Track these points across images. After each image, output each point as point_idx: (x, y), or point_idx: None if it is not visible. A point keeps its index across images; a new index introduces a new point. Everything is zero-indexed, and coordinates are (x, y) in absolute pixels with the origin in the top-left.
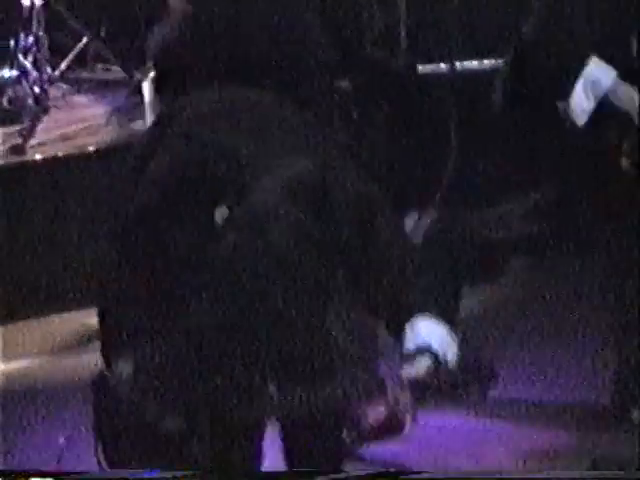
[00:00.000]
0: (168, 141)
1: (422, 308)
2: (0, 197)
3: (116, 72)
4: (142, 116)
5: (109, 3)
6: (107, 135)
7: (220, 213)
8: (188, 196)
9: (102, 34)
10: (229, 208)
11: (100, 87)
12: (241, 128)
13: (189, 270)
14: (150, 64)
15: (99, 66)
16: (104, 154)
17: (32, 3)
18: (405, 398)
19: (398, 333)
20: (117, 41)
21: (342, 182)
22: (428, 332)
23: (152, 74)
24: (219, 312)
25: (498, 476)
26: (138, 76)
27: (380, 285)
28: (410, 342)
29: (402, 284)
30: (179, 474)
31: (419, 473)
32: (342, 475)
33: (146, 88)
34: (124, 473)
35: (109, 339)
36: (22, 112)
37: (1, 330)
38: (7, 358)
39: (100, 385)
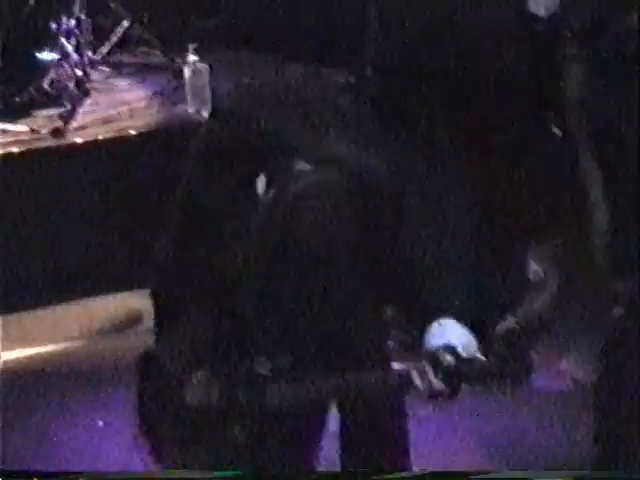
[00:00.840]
0: (219, 115)
1: (446, 309)
2: (40, 180)
3: (157, 56)
4: (183, 100)
5: None
6: (148, 119)
7: (261, 182)
8: (232, 168)
9: (144, 18)
10: (269, 178)
11: (141, 71)
12: (288, 106)
13: (235, 241)
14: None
15: (140, 50)
16: (145, 138)
17: None
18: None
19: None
20: (159, 25)
21: (380, 170)
22: (450, 332)
23: (193, 58)
24: (263, 284)
25: (498, 476)
26: (179, 60)
27: (404, 281)
28: (433, 340)
29: (427, 282)
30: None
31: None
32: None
33: (187, 72)
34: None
35: (160, 316)
36: (63, 95)
37: (41, 313)
38: (52, 339)
39: (145, 365)
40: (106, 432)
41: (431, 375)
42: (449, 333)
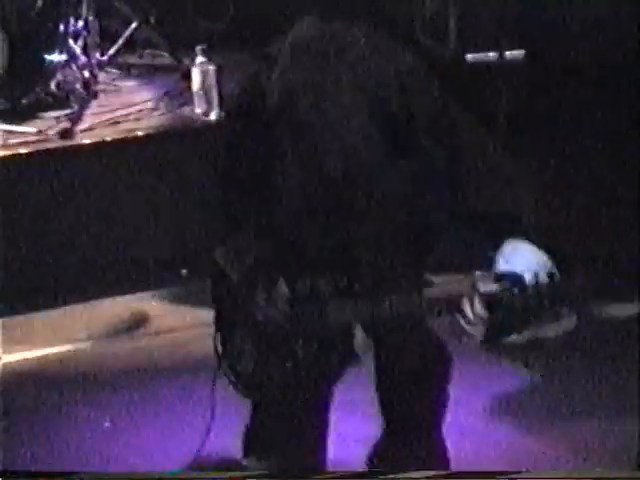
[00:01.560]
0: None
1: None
2: (47, 181)
3: (165, 57)
4: (191, 102)
5: None
6: (155, 120)
7: None
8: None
9: (151, 20)
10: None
11: (149, 72)
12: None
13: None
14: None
15: (148, 51)
16: (153, 139)
17: None
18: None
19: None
20: (166, 26)
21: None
22: (518, 256)
23: (200, 59)
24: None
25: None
26: (187, 62)
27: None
28: (500, 264)
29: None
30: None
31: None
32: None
33: (195, 74)
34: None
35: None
36: (71, 96)
37: (45, 315)
38: (56, 341)
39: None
40: (112, 433)
41: (477, 302)
42: (520, 258)
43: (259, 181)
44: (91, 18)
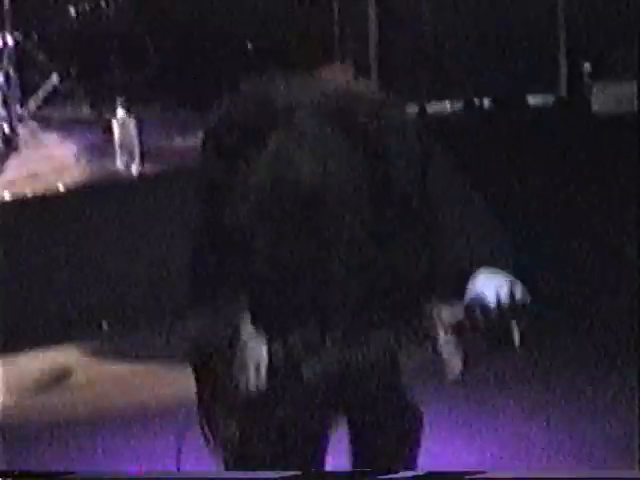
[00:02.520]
0: None
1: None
2: None
3: (86, 110)
4: (113, 155)
5: (80, 43)
6: (77, 174)
7: None
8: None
9: (72, 73)
10: None
11: (70, 125)
12: None
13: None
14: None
15: (69, 105)
16: (74, 193)
17: (4, 42)
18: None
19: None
20: (87, 79)
21: None
22: (484, 283)
23: (121, 112)
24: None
25: (496, 476)
26: (108, 115)
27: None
28: (468, 295)
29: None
30: None
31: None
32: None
33: (116, 127)
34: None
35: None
36: None
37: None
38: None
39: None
40: None
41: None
42: (483, 280)
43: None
44: (11, 71)
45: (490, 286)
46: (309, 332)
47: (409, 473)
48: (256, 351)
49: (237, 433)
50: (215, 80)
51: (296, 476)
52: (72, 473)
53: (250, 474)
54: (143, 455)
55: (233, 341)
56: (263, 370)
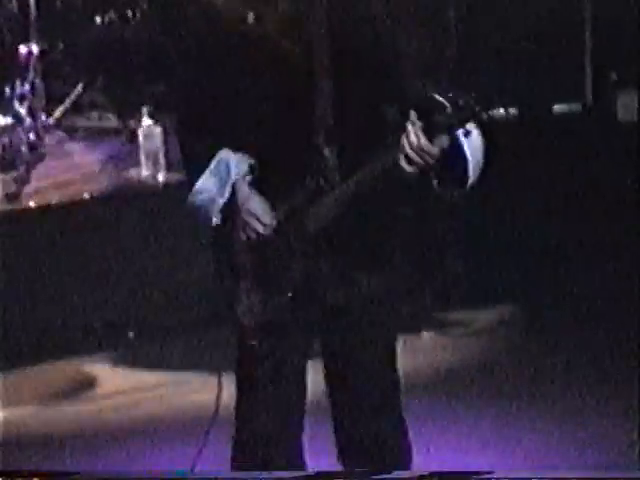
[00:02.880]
0: None
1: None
2: None
3: (111, 119)
4: (137, 164)
5: (105, 52)
6: (102, 183)
7: None
8: None
9: (98, 82)
10: None
11: (95, 134)
12: None
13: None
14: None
15: (94, 113)
16: (99, 201)
17: (29, 51)
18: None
19: None
20: (112, 88)
21: None
22: None
23: (146, 121)
24: None
25: (496, 476)
26: (133, 123)
27: None
28: None
29: None
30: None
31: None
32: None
33: (141, 135)
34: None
35: None
36: (16, 159)
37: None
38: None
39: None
40: None
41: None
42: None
43: None
44: (38, 81)
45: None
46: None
47: (415, 473)
48: (255, 204)
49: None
50: None
51: (300, 477)
52: (77, 473)
53: (257, 474)
54: (165, 464)
55: None
56: (267, 217)
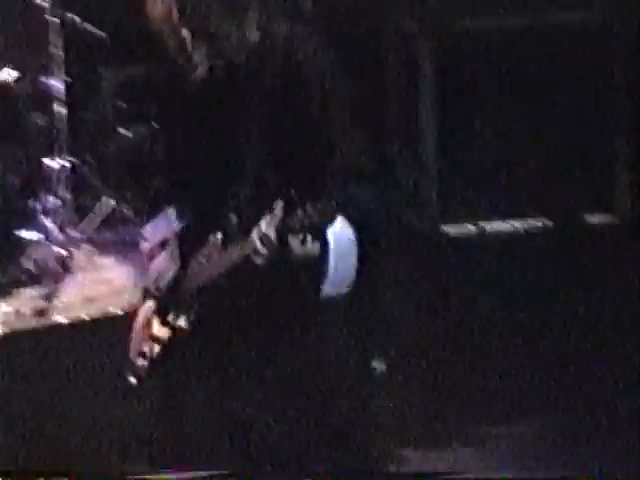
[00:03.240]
0: None
1: None
2: (23, 360)
3: (140, 233)
4: None
5: (134, 165)
6: (132, 297)
7: None
8: None
9: (127, 196)
10: None
11: (125, 248)
12: None
13: None
14: None
15: (123, 226)
16: (129, 317)
17: (60, 166)
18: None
19: None
20: (140, 202)
21: None
22: None
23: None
24: None
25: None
26: None
27: None
28: None
29: None
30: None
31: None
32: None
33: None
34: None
35: None
36: (45, 274)
37: None
38: None
39: None
40: None
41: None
42: None
43: None
44: (67, 195)
45: None
46: None
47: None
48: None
49: None
50: None
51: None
52: (72, 473)
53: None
54: None
55: None
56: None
